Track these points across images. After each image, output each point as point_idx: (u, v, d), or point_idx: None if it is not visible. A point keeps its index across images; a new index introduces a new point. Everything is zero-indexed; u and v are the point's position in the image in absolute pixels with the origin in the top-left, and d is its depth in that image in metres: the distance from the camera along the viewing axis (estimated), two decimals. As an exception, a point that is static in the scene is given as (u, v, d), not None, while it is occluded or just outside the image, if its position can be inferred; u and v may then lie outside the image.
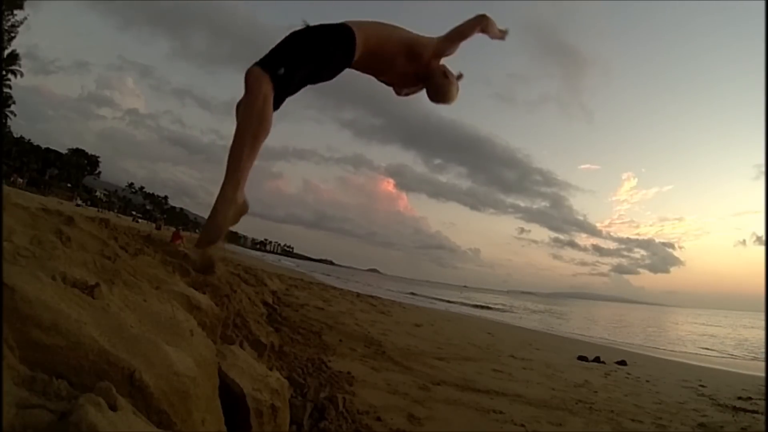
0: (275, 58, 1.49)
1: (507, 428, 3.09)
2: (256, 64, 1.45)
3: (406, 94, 2.08)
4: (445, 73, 1.91)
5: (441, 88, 1.92)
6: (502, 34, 2.02)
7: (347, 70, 1.77)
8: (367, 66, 1.80)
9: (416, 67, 1.85)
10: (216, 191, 1.38)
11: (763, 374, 7.74)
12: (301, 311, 7.11)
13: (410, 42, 1.80)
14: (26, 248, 1.30)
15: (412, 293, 30.16)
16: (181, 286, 2.11)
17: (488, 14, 1.90)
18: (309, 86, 1.66)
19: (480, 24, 1.90)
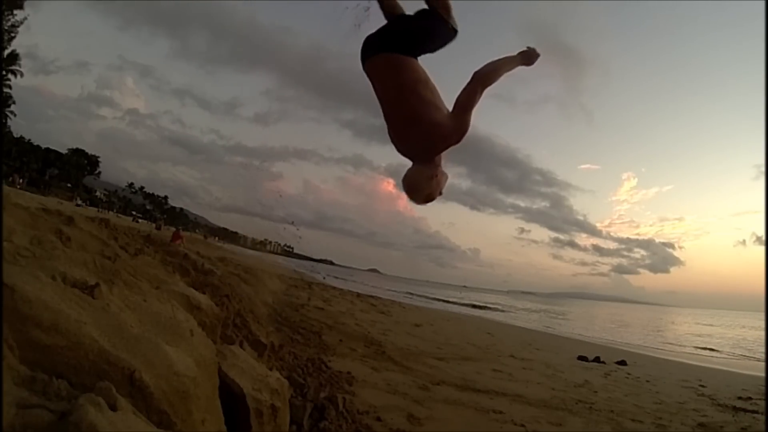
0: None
1: (507, 428, 3.10)
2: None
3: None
4: (432, 176, 1.66)
5: (415, 186, 1.67)
6: (527, 58, 1.75)
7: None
8: (385, 82, 1.68)
9: (412, 128, 1.63)
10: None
11: (763, 374, 7.74)
12: (301, 311, 7.12)
13: (425, 101, 1.61)
14: (26, 248, 1.30)
15: (409, 293, 30.08)
16: (181, 286, 2.11)
17: (480, 70, 1.63)
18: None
19: (481, 84, 1.61)
